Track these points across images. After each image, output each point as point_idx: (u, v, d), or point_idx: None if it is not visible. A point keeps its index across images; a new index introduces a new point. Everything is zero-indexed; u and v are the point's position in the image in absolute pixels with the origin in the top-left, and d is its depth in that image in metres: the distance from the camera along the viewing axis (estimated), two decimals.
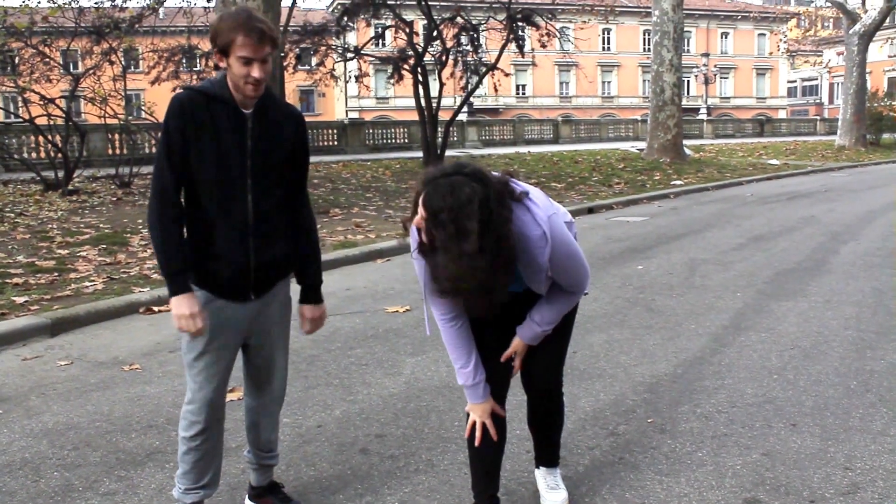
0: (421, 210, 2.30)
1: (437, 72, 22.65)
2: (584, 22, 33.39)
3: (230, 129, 2.57)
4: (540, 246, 2.42)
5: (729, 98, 63.68)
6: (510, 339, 2.75)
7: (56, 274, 7.28)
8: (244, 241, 2.64)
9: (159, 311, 6.12)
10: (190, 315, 2.57)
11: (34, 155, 19.81)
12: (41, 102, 15.71)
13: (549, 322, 2.67)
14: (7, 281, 6.92)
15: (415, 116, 24.78)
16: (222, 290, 2.67)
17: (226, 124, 2.57)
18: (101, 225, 10.38)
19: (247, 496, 3.07)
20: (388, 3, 22.68)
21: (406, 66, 23.25)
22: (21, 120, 18.02)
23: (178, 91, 2.66)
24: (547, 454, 3.06)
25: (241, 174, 2.60)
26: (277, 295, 2.82)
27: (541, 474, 3.08)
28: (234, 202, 2.61)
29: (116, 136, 18.89)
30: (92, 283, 6.87)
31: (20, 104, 16.97)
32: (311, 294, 2.93)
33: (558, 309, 2.68)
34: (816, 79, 71.31)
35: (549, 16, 24.60)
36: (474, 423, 2.74)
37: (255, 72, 2.50)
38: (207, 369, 2.70)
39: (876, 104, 31.53)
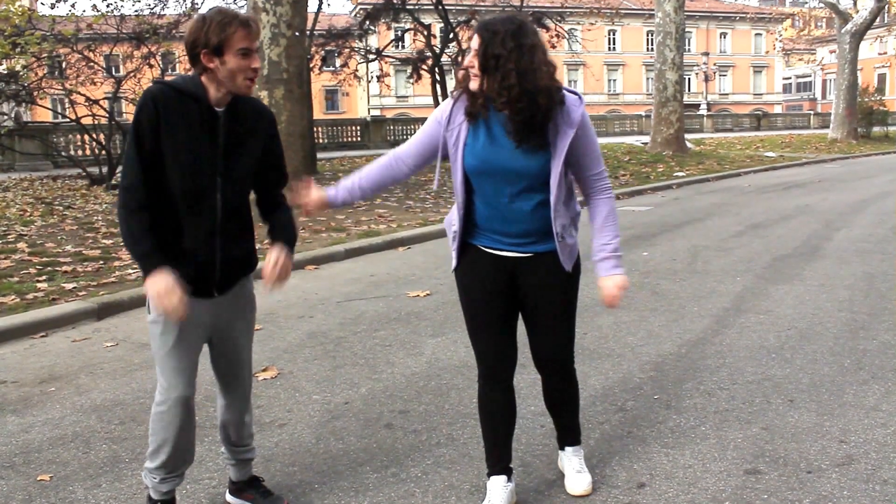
0: (476, 39, 2.37)
1: (453, 72, 22.57)
2: (592, 24, 33.10)
3: (202, 126, 2.38)
4: (575, 104, 2.44)
5: (727, 94, 62.99)
6: (513, 313, 2.69)
7: (101, 262, 7.33)
8: (211, 239, 2.45)
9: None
10: (166, 290, 2.32)
11: (80, 152, 19.99)
12: (86, 103, 15.87)
13: (616, 236, 2.58)
14: (57, 269, 6.99)
15: None
16: (186, 287, 2.41)
17: (197, 121, 2.37)
18: None
19: (227, 491, 2.91)
20: (407, 7, 22.64)
21: (424, 67, 23.27)
22: (68, 120, 18.21)
23: (150, 85, 2.45)
24: (570, 433, 2.94)
25: (211, 172, 2.40)
26: (240, 291, 2.62)
27: (566, 456, 2.94)
28: (203, 200, 2.41)
29: None
30: (135, 271, 6.88)
31: (67, 105, 17.12)
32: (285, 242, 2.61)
33: (610, 219, 2.58)
34: (810, 75, 70.32)
35: (559, 18, 24.50)
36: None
37: (255, 62, 2.35)
38: (178, 364, 2.52)
39: (867, 99, 31.07)
